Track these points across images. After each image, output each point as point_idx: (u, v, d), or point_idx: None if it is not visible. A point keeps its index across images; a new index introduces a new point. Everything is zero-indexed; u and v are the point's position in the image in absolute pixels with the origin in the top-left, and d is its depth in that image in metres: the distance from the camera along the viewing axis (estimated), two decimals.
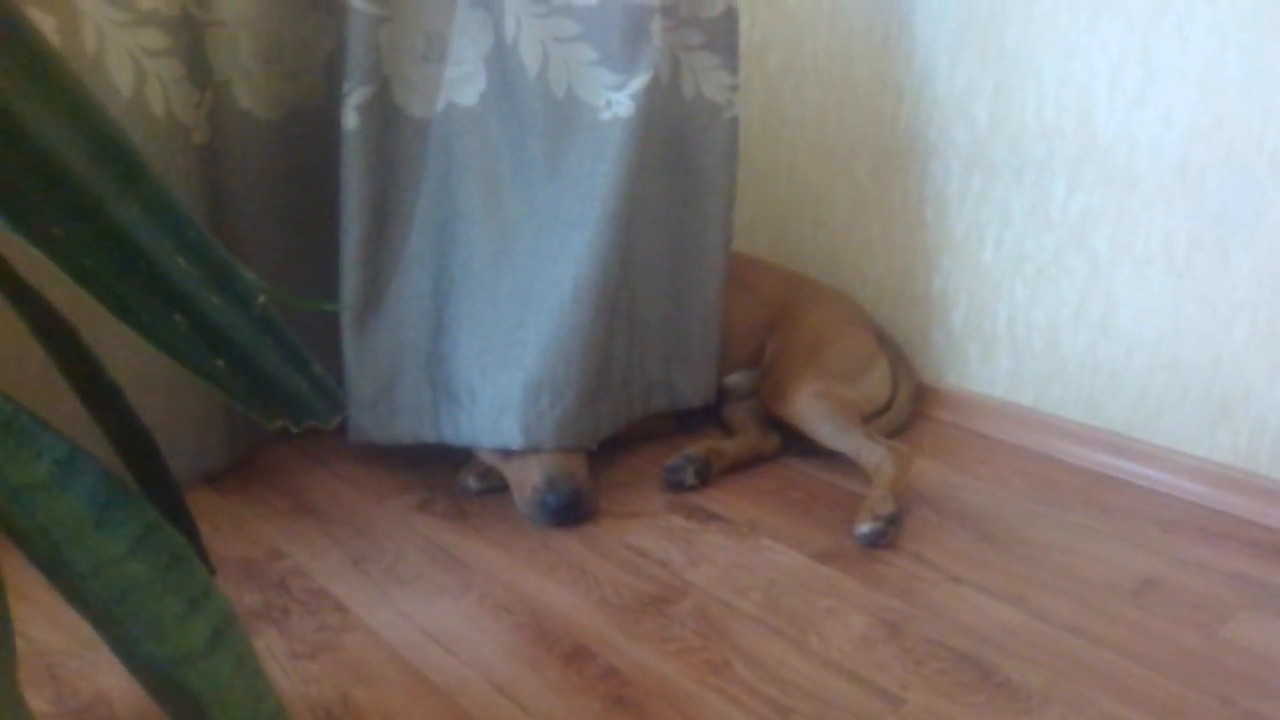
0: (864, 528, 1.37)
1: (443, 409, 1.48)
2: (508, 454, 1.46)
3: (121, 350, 1.19)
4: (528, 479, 1.43)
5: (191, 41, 1.35)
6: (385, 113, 1.40)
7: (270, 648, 1.14)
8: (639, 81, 1.39)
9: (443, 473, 1.56)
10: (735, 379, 1.75)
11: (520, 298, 1.43)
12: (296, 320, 0.73)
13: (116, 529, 0.52)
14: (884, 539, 1.36)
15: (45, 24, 1.22)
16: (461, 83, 1.41)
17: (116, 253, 0.42)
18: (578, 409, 1.44)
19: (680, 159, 1.55)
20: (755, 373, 1.75)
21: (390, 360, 1.48)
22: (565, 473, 1.42)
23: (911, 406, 1.77)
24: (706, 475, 1.55)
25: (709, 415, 1.75)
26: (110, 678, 1.08)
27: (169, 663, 0.51)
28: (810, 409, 1.57)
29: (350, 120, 1.38)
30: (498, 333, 1.44)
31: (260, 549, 1.35)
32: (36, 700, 1.05)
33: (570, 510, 1.41)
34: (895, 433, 1.71)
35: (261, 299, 0.48)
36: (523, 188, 1.43)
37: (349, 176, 1.41)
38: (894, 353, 1.80)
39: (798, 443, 1.64)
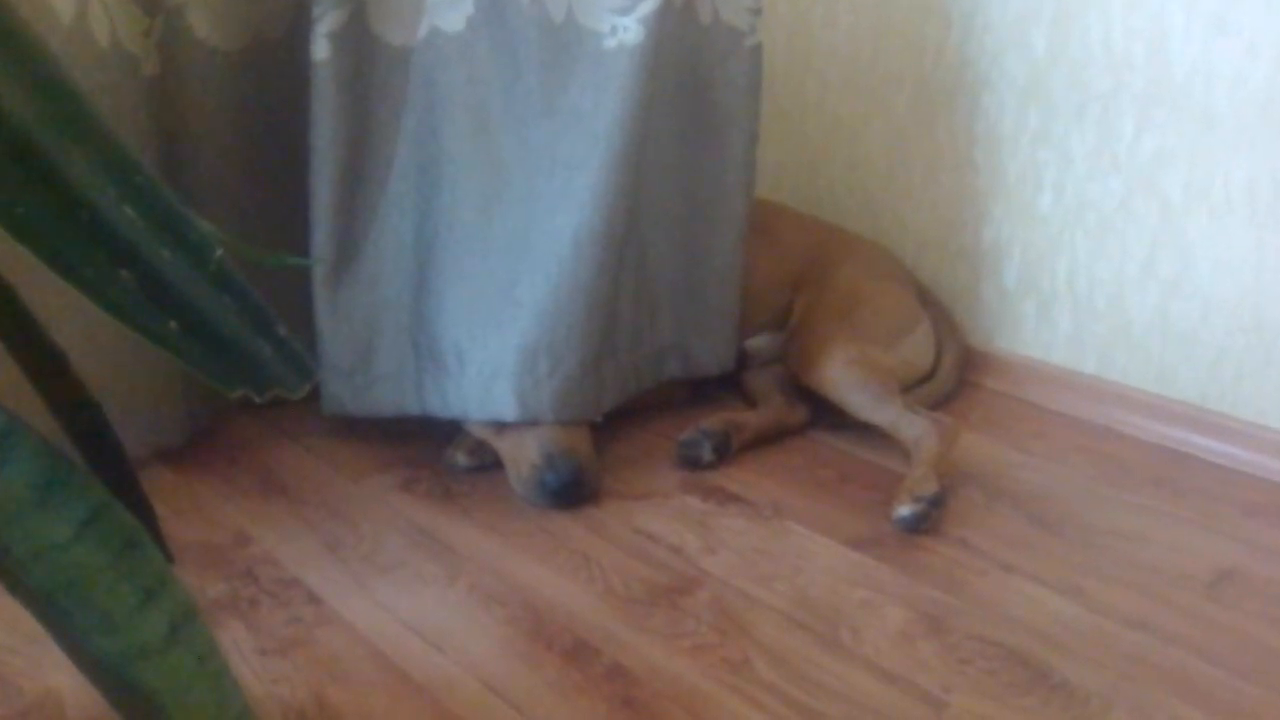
0: (903, 510, 1.37)
1: (427, 376, 1.48)
2: (501, 427, 1.46)
3: (66, 311, 1.19)
4: (524, 455, 1.44)
5: None
6: (360, 41, 1.40)
7: (236, 643, 1.15)
8: (649, 4, 1.38)
9: (428, 448, 1.56)
10: (758, 342, 1.75)
11: (514, 250, 1.43)
12: (261, 278, 0.72)
13: (61, 510, 0.52)
14: (925, 523, 1.37)
15: None
16: (445, 6, 1.40)
17: (53, 200, 0.42)
18: (579, 376, 1.45)
19: (695, 92, 1.54)
20: (780, 335, 1.75)
21: (367, 321, 1.49)
22: (566, 448, 1.43)
23: (957, 374, 1.77)
24: (725, 451, 1.55)
25: (728, 383, 1.75)
26: (59, 674, 1.09)
27: (122, 659, 0.51)
28: (842, 376, 1.57)
29: (320, 49, 1.38)
30: (489, 289, 1.44)
31: (224, 533, 1.36)
32: None
33: (572, 490, 1.41)
34: (939, 403, 1.71)
35: (219, 252, 0.48)
36: (516, 125, 1.42)
37: (320, 113, 1.40)
38: (938, 312, 1.80)
39: (828, 414, 1.64)
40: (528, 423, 1.44)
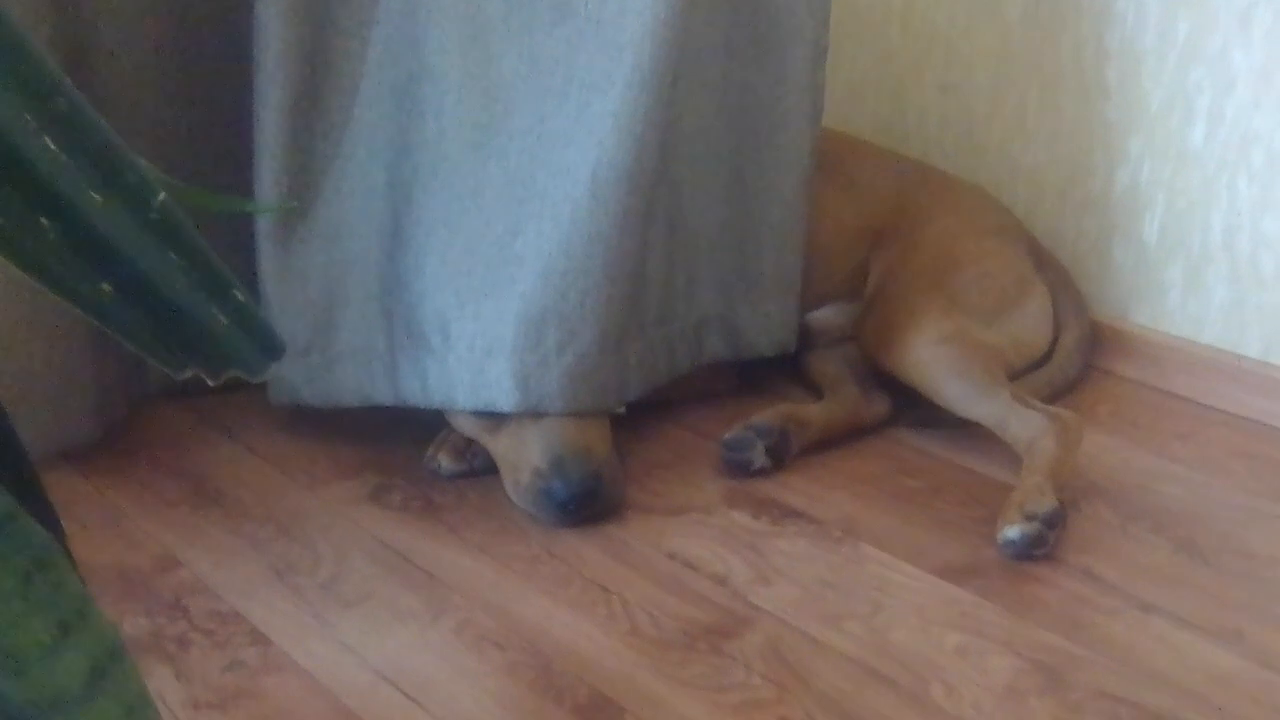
0: (1011, 532, 1.37)
1: (402, 354, 1.49)
2: (497, 421, 1.47)
3: None
4: (524, 457, 1.44)
5: None
6: None
7: (160, 694, 1.16)
8: None
9: (403, 448, 1.57)
10: (825, 315, 1.76)
11: (515, 194, 1.44)
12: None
13: None
14: (1040, 548, 1.37)
15: None
16: None
17: None
18: (598, 355, 1.45)
19: None
20: (854, 306, 1.75)
21: (326, 286, 1.49)
22: (579, 448, 1.43)
23: (1081, 357, 1.77)
24: (782, 454, 1.56)
25: (786, 367, 1.76)
26: None
27: (31, 708, 0.52)
28: (934, 359, 1.57)
29: None
30: (482, 244, 1.45)
31: (146, 555, 1.38)
32: None
33: (585, 503, 1.42)
34: (1057, 394, 1.71)
35: (162, 196, 0.48)
36: (520, 34, 1.42)
37: (265, 17, 1.40)
38: (1057, 278, 1.80)
39: (914, 407, 1.64)
40: (530, 414, 1.44)
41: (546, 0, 1.42)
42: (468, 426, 1.50)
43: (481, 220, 1.45)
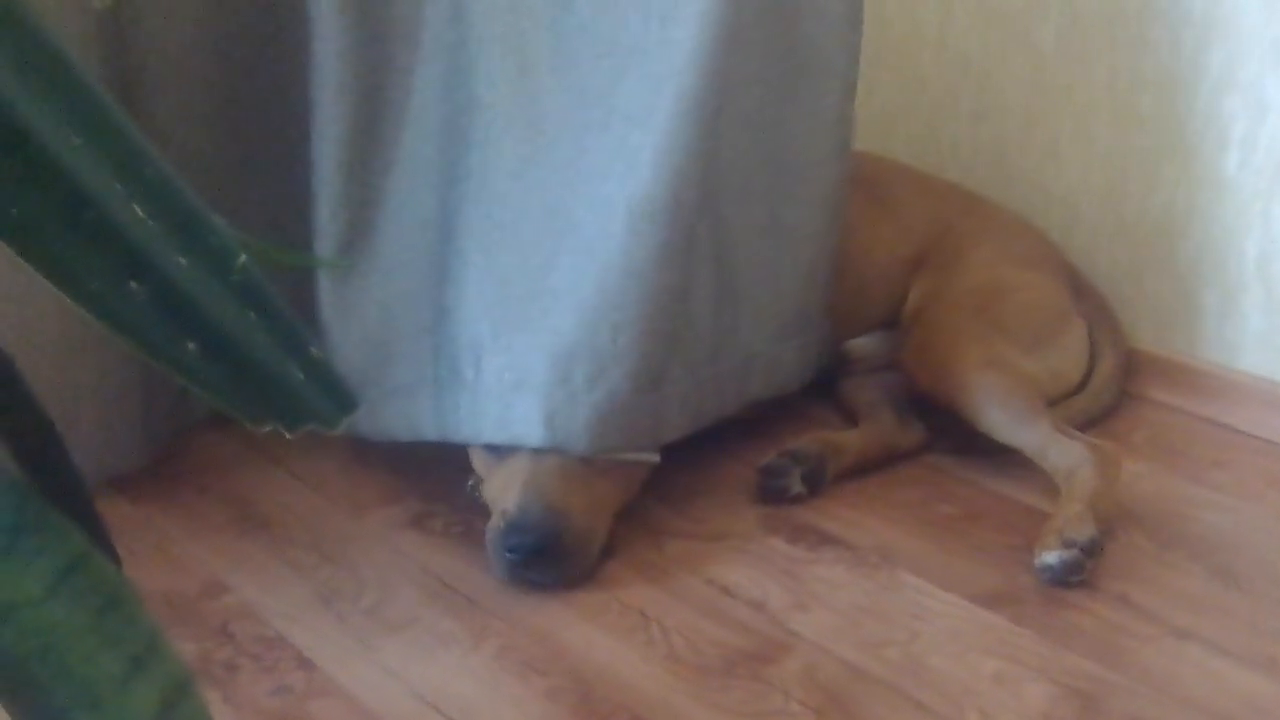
0: (1050, 558, 1.38)
1: (443, 387, 1.48)
2: (498, 459, 1.44)
3: None
4: (502, 499, 1.40)
5: None
6: None
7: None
8: None
9: (444, 474, 1.58)
10: (862, 342, 1.77)
11: (553, 227, 1.43)
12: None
13: (32, 560, 0.55)
14: (1078, 575, 1.37)
15: None
16: None
17: (54, 199, 0.45)
18: (630, 394, 1.42)
19: (780, 26, 1.53)
20: (891, 334, 1.76)
21: (382, 319, 1.49)
22: (554, 504, 1.37)
23: (1118, 385, 1.77)
24: (819, 481, 1.56)
25: (821, 393, 1.76)
26: None
27: None
28: (977, 384, 1.57)
29: None
30: (518, 276, 1.44)
31: (193, 580, 1.40)
32: None
33: (533, 556, 1.35)
34: (1093, 421, 1.71)
35: (243, 259, 0.51)
36: (566, 67, 1.42)
37: (322, 55, 1.41)
38: (1094, 307, 1.80)
39: (950, 435, 1.64)
40: (529, 459, 1.40)
41: (592, 32, 1.42)
42: (478, 464, 1.48)
43: (519, 252, 1.44)
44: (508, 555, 1.36)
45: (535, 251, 1.44)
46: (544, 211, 1.44)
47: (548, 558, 1.36)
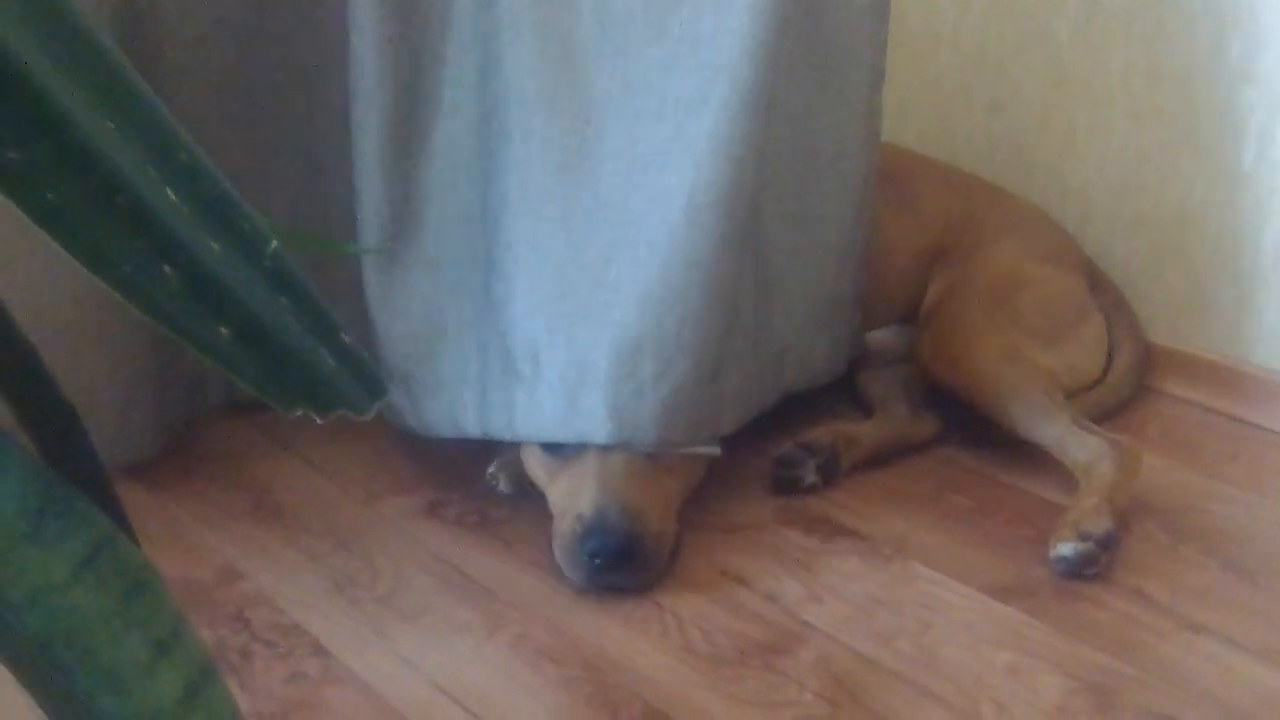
0: (1065, 550, 1.38)
1: (492, 384, 1.46)
2: (561, 463, 1.42)
3: (7, 292, 1.22)
4: (574, 503, 1.37)
5: None
6: None
7: None
8: None
9: (458, 463, 1.58)
10: (881, 335, 1.77)
11: (607, 219, 1.42)
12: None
13: (57, 544, 0.55)
14: (1092, 568, 1.37)
15: None
16: None
17: (89, 184, 0.45)
18: (694, 386, 1.41)
19: (810, 21, 1.52)
20: (909, 328, 1.76)
21: (427, 313, 1.48)
22: (632, 506, 1.35)
23: (1135, 378, 1.77)
24: (833, 472, 1.57)
25: (837, 385, 1.75)
26: None
27: None
28: (995, 376, 1.58)
29: None
30: (572, 270, 1.42)
31: (208, 568, 1.40)
32: None
33: (616, 563, 1.33)
34: (1109, 414, 1.71)
35: (275, 244, 0.51)
36: (613, 55, 1.41)
37: (361, 48, 1.41)
38: (1113, 301, 1.80)
39: (964, 427, 1.65)
40: (597, 461, 1.38)
41: (640, 20, 1.40)
42: (534, 467, 1.46)
43: (571, 245, 1.42)
44: (589, 560, 1.33)
45: (590, 245, 1.42)
46: (596, 204, 1.42)
47: (630, 560, 1.34)
